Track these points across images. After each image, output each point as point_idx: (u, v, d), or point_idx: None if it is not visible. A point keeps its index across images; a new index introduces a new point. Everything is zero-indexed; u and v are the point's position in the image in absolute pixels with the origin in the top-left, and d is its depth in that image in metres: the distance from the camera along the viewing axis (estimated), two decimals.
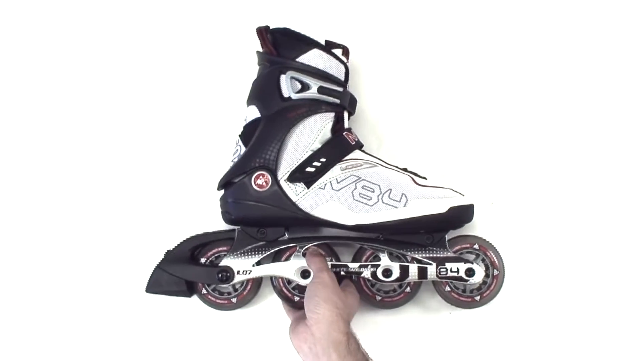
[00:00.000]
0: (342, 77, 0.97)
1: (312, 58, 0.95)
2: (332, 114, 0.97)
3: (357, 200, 0.95)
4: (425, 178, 1.00)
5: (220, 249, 1.01)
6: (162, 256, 1.01)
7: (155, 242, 1.05)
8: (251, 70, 1.03)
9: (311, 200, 0.96)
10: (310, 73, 0.95)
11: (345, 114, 1.00)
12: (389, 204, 0.95)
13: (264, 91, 0.97)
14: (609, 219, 1.09)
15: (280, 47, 0.97)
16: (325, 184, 0.96)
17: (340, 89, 0.97)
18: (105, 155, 1.13)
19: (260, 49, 1.00)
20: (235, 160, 0.98)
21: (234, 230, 1.01)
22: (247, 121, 0.99)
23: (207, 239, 1.02)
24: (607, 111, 1.11)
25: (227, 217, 1.00)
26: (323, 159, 0.96)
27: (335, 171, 0.96)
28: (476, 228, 1.05)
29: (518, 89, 1.12)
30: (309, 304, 0.89)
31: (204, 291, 1.02)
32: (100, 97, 1.14)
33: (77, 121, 1.14)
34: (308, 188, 0.96)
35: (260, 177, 0.95)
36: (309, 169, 0.95)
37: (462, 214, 0.98)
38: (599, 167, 1.10)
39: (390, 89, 1.12)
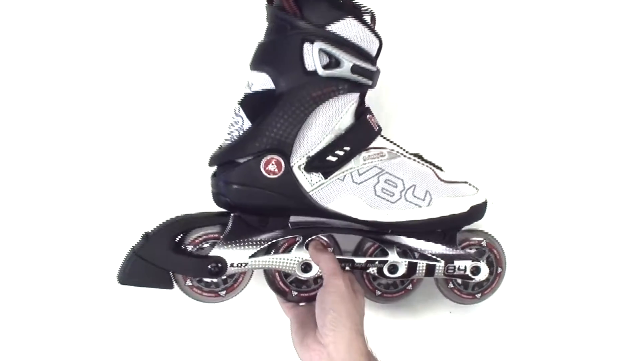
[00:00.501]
0: (374, 53, 0.83)
1: (346, 28, 0.79)
2: (358, 95, 0.84)
3: (378, 196, 0.85)
4: (442, 170, 0.92)
5: (210, 235, 0.86)
6: (136, 240, 0.84)
7: (126, 221, 0.90)
8: (236, 25, 0.89)
9: (328, 192, 0.83)
10: (344, 47, 0.79)
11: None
12: (413, 203, 0.86)
13: (281, 59, 0.80)
14: (608, 216, 1.09)
15: (306, 8, 0.79)
16: (345, 176, 0.84)
17: (374, 68, 0.83)
18: (75, 125, 0.97)
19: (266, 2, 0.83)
20: (236, 134, 0.82)
21: (225, 214, 0.86)
22: (253, 89, 0.82)
23: (193, 225, 0.86)
24: (609, 107, 1.08)
25: (222, 200, 0.84)
26: (347, 148, 0.82)
27: (358, 162, 0.84)
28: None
29: (519, 84, 1.06)
30: (324, 318, 0.78)
31: (189, 282, 0.87)
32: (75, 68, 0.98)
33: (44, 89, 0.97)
34: (325, 178, 0.83)
35: (272, 162, 0.81)
36: (331, 158, 0.82)
37: (479, 212, 0.92)
38: (600, 165, 1.08)
39: (396, 74, 1.00)
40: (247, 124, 0.82)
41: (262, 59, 0.82)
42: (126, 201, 0.96)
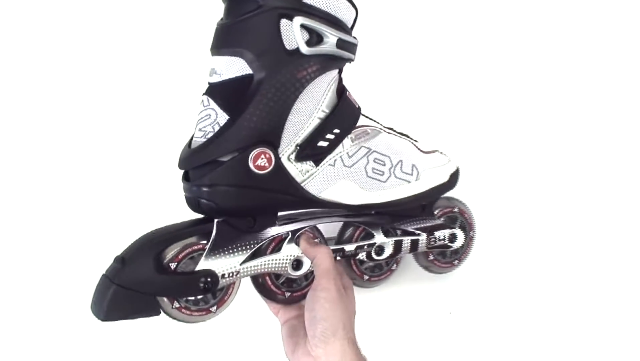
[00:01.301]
0: (350, 24, 0.77)
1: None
2: (337, 71, 0.78)
3: (370, 177, 0.80)
4: (416, 140, 0.89)
5: (195, 248, 0.75)
6: (107, 264, 0.72)
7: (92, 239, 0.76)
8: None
9: (321, 181, 0.77)
10: (326, 21, 0.73)
11: None
12: (402, 179, 0.83)
13: (255, 40, 0.71)
14: (571, 170, 1.13)
15: None
16: (336, 160, 0.78)
17: (355, 40, 0.77)
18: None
19: None
20: (210, 129, 0.72)
21: (203, 220, 0.77)
22: (224, 77, 0.73)
23: (174, 239, 0.74)
24: (575, 80, 1.12)
25: (204, 205, 0.73)
26: (337, 130, 0.76)
27: (346, 144, 0.79)
28: None
29: (483, 49, 1.07)
30: (314, 330, 0.71)
31: (176, 304, 0.75)
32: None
33: None
34: (317, 165, 0.76)
35: (262, 156, 0.72)
36: (322, 143, 0.76)
37: (456, 180, 0.91)
38: (562, 124, 1.12)
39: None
40: (223, 116, 0.72)
41: (232, 42, 0.72)
42: (76, 213, 0.82)
